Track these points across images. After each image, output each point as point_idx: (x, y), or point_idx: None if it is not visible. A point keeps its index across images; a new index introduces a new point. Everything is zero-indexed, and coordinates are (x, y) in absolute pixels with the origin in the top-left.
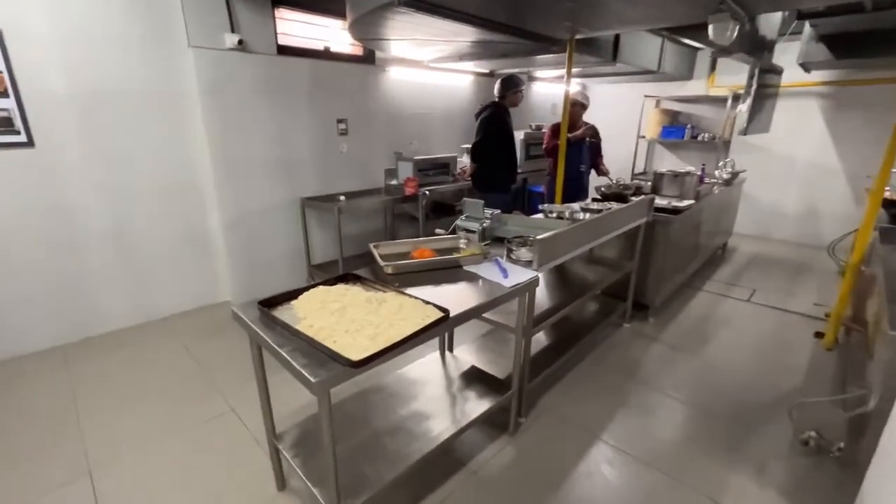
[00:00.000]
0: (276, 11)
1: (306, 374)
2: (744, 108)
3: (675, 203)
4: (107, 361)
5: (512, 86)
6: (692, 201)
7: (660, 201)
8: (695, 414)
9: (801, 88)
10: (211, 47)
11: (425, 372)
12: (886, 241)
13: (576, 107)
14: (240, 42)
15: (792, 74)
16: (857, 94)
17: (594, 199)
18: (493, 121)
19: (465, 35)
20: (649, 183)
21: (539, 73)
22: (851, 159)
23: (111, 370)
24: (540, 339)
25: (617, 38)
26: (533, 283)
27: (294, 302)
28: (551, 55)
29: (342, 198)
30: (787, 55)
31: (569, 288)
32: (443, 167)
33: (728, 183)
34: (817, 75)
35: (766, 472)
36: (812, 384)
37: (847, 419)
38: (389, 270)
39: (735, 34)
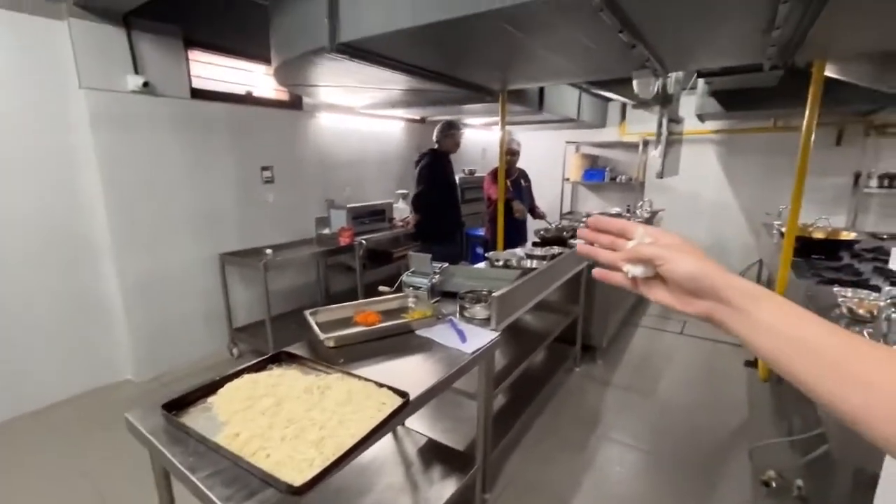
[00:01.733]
0: (189, 53)
1: None
2: (656, 153)
3: None
4: None
5: (449, 129)
6: None
7: None
8: (659, 463)
9: (698, 136)
10: (108, 89)
11: (377, 453)
12: (798, 274)
13: (513, 155)
14: (145, 84)
15: (689, 123)
16: (743, 140)
17: (534, 244)
18: (432, 169)
19: (398, 83)
20: (582, 224)
21: (468, 120)
22: (745, 196)
23: None
24: (496, 398)
25: (541, 89)
26: (495, 345)
27: (213, 399)
28: (480, 104)
29: (269, 251)
30: (684, 107)
31: (521, 339)
32: (378, 214)
33: (649, 221)
34: (710, 125)
35: None
36: (758, 417)
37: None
38: (331, 344)
39: (656, 89)
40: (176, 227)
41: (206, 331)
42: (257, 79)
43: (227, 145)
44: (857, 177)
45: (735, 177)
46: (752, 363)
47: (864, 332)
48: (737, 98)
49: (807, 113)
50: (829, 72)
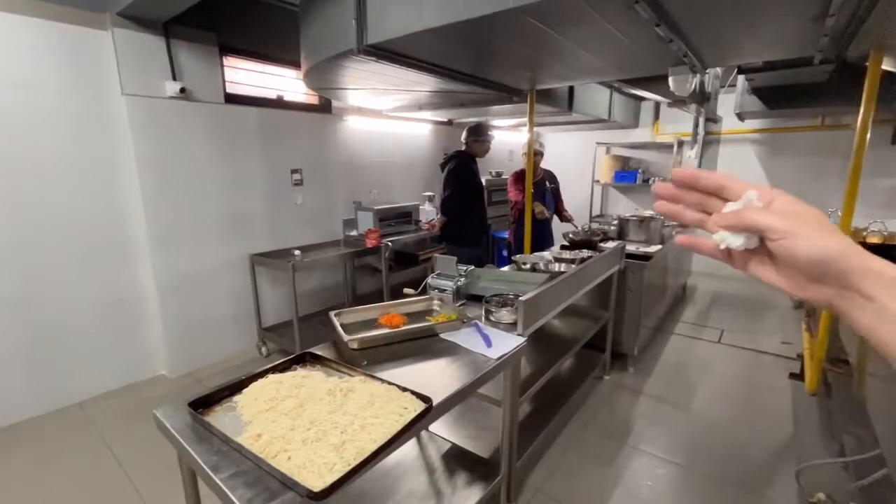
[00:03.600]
0: (224, 59)
1: None
2: (692, 153)
3: (643, 248)
4: None
5: (478, 134)
6: (659, 246)
7: (627, 247)
8: (697, 481)
9: (737, 136)
10: (148, 95)
11: (400, 458)
12: None
13: (537, 155)
14: (182, 90)
15: (727, 123)
16: (786, 140)
17: (562, 247)
18: (460, 172)
19: (425, 84)
20: (612, 227)
21: (495, 122)
22: None
23: (3, 480)
24: (521, 406)
25: (571, 89)
26: (521, 350)
27: (238, 398)
28: (508, 105)
29: (297, 252)
30: (723, 106)
31: (548, 345)
32: (405, 216)
33: (683, 225)
34: (750, 124)
35: None
36: (805, 435)
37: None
38: (355, 346)
39: (694, 86)
40: (209, 229)
41: (236, 329)
42: (288, 83)
43: (258, 148)
44: None
45: (777, 178)
46: (797, 375)
47: None
48: (781, 95)
49: (861, 110)
50: (888, 65)
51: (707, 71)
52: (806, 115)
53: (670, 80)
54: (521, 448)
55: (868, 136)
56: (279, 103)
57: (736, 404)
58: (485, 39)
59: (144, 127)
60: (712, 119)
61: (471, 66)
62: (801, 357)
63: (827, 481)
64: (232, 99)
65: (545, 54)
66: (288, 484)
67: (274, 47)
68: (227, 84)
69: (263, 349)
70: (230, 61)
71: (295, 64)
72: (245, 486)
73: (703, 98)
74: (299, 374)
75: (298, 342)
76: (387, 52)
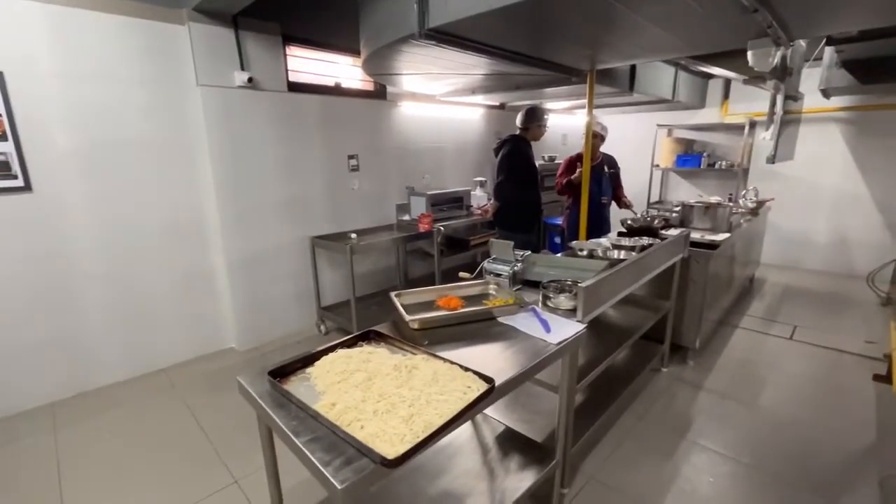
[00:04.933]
0: (286, 49)
1: (329, 477)
2: (768, 135)
3: (710, 236)
4: (97, 422)
5: (536, 118)
6: (727, 234)
7: (692, 235)
8: (764, 481)
9: (820, 114)
10: (220, 85)
11: (455, 437)
12: None
13: (596, 139)
14: (249, 80)
15: (809, 100)
16: (879, 119)
17: (620, 234)
18: (515, 157)
19: (481, 67)
20: (673, 214)
21: (549, 105)
22: (880, 186)
23: (101, 433)
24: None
25: (632, 68)
26: (580, 337)
27: (311, 370)
28: (564, 87)
29: (354, 235)
30: (805, 82)
31: (604, 334)
32: (456, 201)
33: (754, 212)
34: (836, 101)
35: None
36: (889, 440)
37: None
38: (416, 326)
39: (777, 60)
40: (273, 211)
41: (297, 308)
42: (345, 70)
43: (318, 135)
44: None
45: (868, 162)
46: (883, 377)
47: None
48: (877, 68)
49: None
50: None
51: (792, 43)
52: None
53: (749, 54)
54: (575, 435)
55: None
56: (337, 90)
57: (809, 404)
58: (549, 18)
59: (216, 116)
60: (792, 96)
61: (531, 46)
62: (888, 358)
63: None
64: (294, 87)
65: (609, 31)
66: (363, 451)
67: (333, 35)
68: (289, 73)
69: (322, 327)
70: (292, 50)
71: (353, 51)
72: (322, 451)
73: (784, 73)
74: (365, 350)
75: (355, 321)
76: (447, 36)
